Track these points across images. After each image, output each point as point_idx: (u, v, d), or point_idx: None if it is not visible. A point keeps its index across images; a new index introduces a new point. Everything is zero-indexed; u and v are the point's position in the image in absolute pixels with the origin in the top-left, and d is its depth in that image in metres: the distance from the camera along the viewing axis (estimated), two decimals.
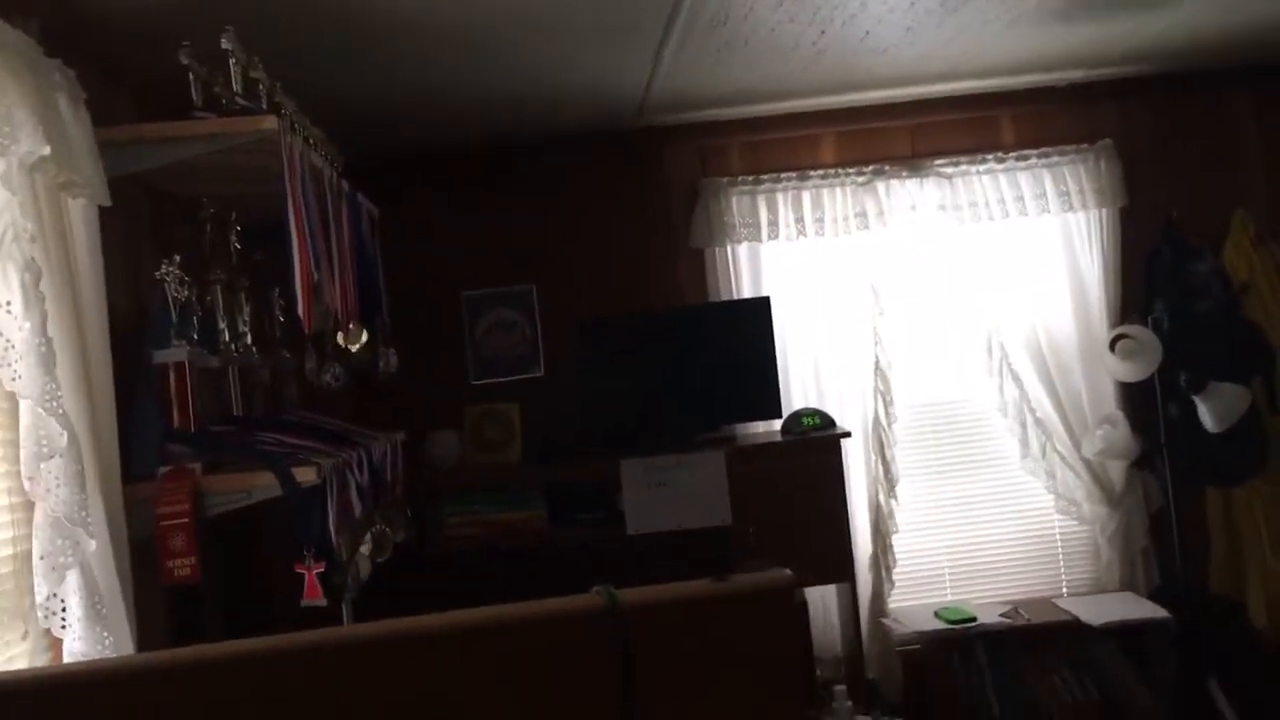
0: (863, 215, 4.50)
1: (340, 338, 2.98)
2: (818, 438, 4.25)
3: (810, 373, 4.51)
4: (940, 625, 4.35)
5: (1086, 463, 4.51)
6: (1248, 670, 4.39)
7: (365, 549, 2.79)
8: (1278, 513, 4.46)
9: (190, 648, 1.19)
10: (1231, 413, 4.21)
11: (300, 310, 2.46)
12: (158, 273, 2.49)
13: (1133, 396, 4.53)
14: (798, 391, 4.47)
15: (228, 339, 2.88)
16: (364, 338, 3.05)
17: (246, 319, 3.03)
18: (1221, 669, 4.34)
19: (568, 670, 0.98)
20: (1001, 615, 4.43)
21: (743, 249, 4.53)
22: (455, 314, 4.55)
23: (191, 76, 2.49)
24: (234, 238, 3.04)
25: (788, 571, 1.04)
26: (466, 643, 1.01)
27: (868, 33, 3.46)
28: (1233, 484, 4.49)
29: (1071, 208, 4.54)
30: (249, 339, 3.01)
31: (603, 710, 0.97)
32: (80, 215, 2.17)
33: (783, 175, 4.54)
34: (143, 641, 2.16)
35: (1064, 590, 4.68)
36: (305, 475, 2.41)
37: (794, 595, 1.01)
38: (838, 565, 4.20)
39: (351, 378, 3.11)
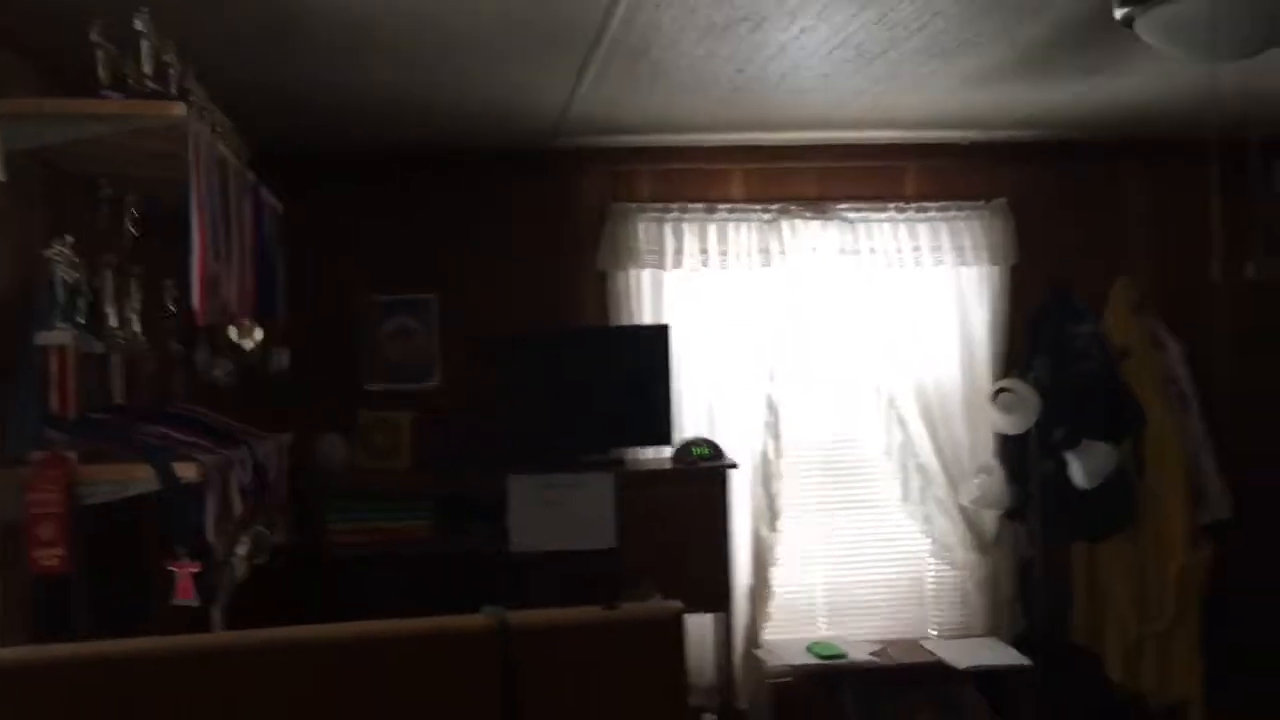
0: (765, 252, 4.58)
1: (233, 333, 2.92)
2: (706, 467, 4.30)
3: (703, 403, 4.56)
4: (812, 660, 4.42)
5: (962, 509, 4.65)
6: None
7: (243, 550, 2.74)
8: (1138, 570, 4.64)
9: (51, 646, 1.16)
10: (1101, 471, 4.38)
11: (195, 302, 2.41)
12: (48, 252, 2.42)
13: (1009, 448, 4.68)
14: (690, 421, 4.51)
15: (115, 325, 2.80)
16: (258, 335, 2.99)
17: (136, 306, 2.95)
18: (1076, 717, 4.49)
19: (453, 688, 0.99)
20: (871, 653, 4.53)
21: (646, 275, 4.57)
22: (353, 317, 4.49)
23: (100, 54, 2.42)
24: (129, 222, 2.96)
25: (677, 603, 1.06)
26: (355, 654, 1.00)
27: (785, 75, 3.53)
28: (1097, 539, 4.66)
29: (965, 262, 4.69)
30: (137, 327, 2.93)
31: None
32: None
33: (690, 206, 4.59)
34: (4, 629, 2.08)
35: (932, 632, 4.80)
36: (186, 471, 2.36)
37: (681, 626, 1.03)
38: (716, 594, 4.24)
39: (242, 374, 3.04)
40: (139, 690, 1.01)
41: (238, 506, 2.66)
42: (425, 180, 4.55)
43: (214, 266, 2.48)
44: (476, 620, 1.03)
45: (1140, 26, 2.26)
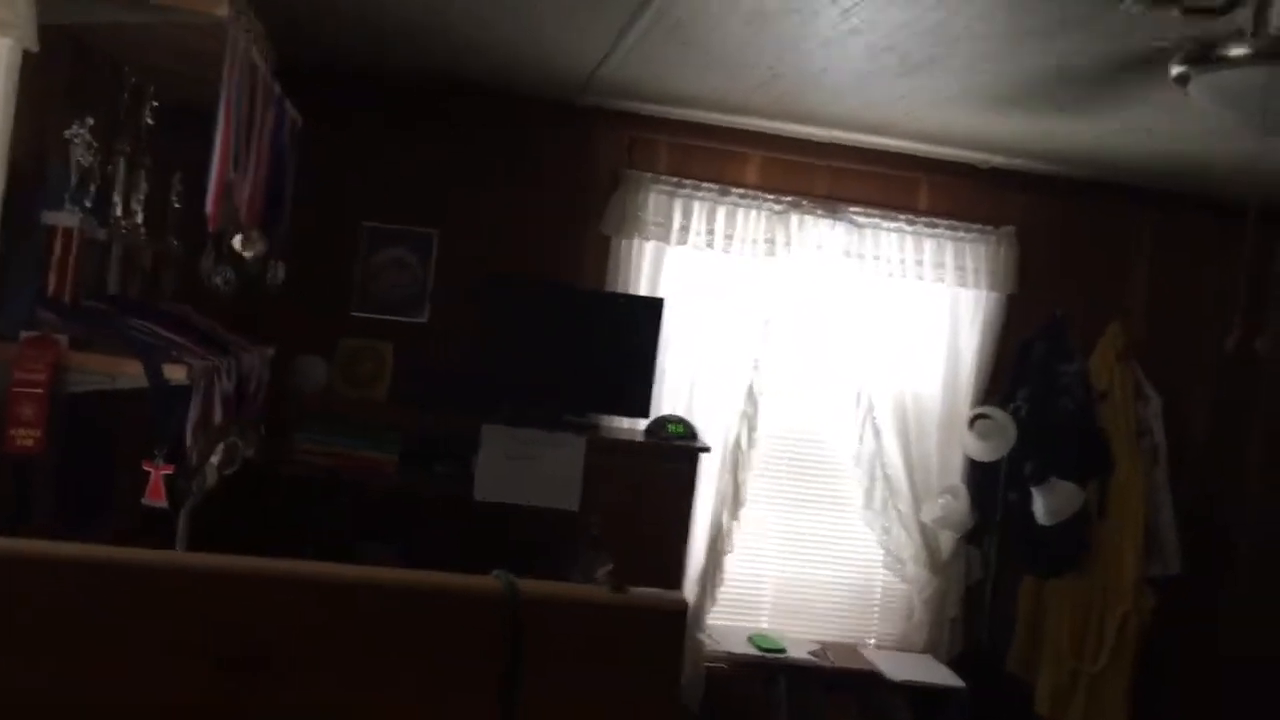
0: (771, 242, 4.57)
1: (237, 241, 2.89)
2: (679, 446, 4.31)
3: (685, 382, 4.56)
4: (751, 650, 4.46)
5: (921, 526, 4.68)
6: None
7: (215, 459, 2.72)
8: (1082, 610, 4.71)
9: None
10: (1064, 510, 4.43)
11: (209, 206, 2.38)
12: (67, 132, 2.37)
13: (978, 474, 4.72)
14: (669, 398, 4.52)
15: (119, 214, 2.77)
16: (261, 246, 2.96)
17: (142, 199, 2.91)
18: None
19: (458, 647, 0.99)
20: (810, 652, 4.57)
21: (649, 246, 4.55)
22: (351, 242, 4.45)
23: None
24: (148, 113, 2.92)
25: (683, 596, 1.06)
26: (356, 596, 1.00)
27: (825, 70, 3.52)
28: (1048, 575, 4.72)
29: (965, 283, 4.70)
30: (140, 219, 2.89)
31: (485, 690, 0.98)
32: (2, 56, 2.05)
33: (704, 184, 4.57)
34: None
35: (872, 641, 4.85)
36: (174, 373, 2.33)
37: (684, 619, 1.03)
38: (669, 572, 4.26)
39: (241, 284, 3.02)
40: (122, 601, 1.00)
41: (218, 415, 2.64)
42: (444, 116, 4.50)
43: (232, 173, 2.45)
44: (485, 582, 1.02)
45: (1194, 87, 2.26)
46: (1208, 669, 4.91)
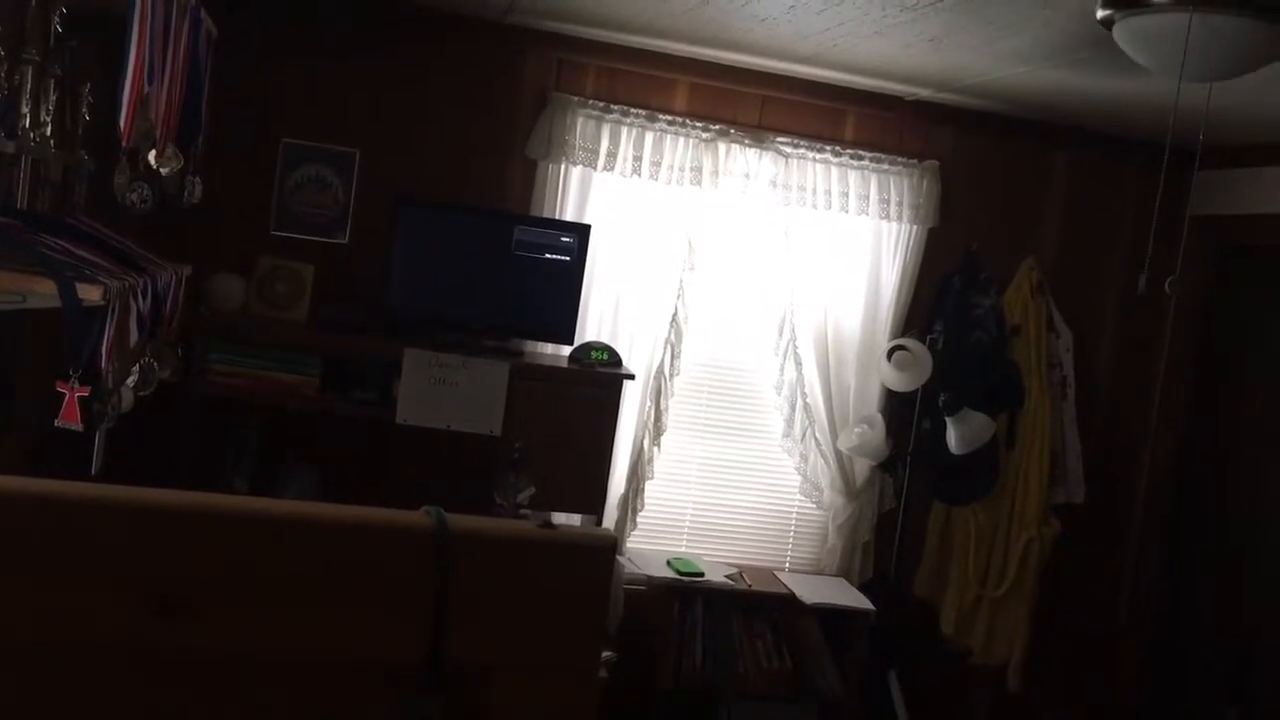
0: (698, 170, 4.57)
1: (152, 157, 2.80)
2: (603, 373, 4.33)
3: (610, 309, 4.57)
4: (670, 574, 4.55)
5: (838, 454, 4.78)
6: (926, 670, 4.82)
7: (131, 380, 2.66)
8: (988, 537, 4.87)
9: None
10: (975, 440, 4.55)
11: (122, 121, 2.30)
12: None
13: (893, 403, 4.82)
14: (593, 324, 4.52)
15: (27, 125, 2.66)
16: (178, 162, 2.87)
17: (50, 110, 2.80)
18: (904, 664, 4.73)
19: (386, 582, 0.99)
20: (727, 576, 4.67)
21: (576, 171, 4.52)
22: (270, 159, 4.34)
23: None
24: (56, 19, 2.79)
25: (611, 532, 1.08)
26: (280, 530, 1.00)
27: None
28: (957, 503, 4.87)
29: (888, 216, 4.75)
30: (49, 131, 2.79)
31: (413, 626, 0.99)
32: None
33: (632, 110, 4.54)
34: None
35: (787, 565, 4.97)
36: (89, 293, 2.26)
37: (613, 555, 1.05)
38: (591, 498, 4.30)
39: (156, 201, 2.93)
40: (37, 535, 0.98)
41: (134, 336, 2.58)
42: (369, 32, 4.38)
43: (146, 86, 2.37)
44: (413, 517, 1.03)
45: (1118, 31, 2.29)
46: (1107, 594, 5.13)
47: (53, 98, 2.80)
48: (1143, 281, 2.32)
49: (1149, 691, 5.08)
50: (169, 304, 3.07)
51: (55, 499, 0.99)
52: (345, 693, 1.03)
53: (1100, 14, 2.32)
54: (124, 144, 2.40)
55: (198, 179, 3.26)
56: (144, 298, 2.70)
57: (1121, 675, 5.12)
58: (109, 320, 2.37)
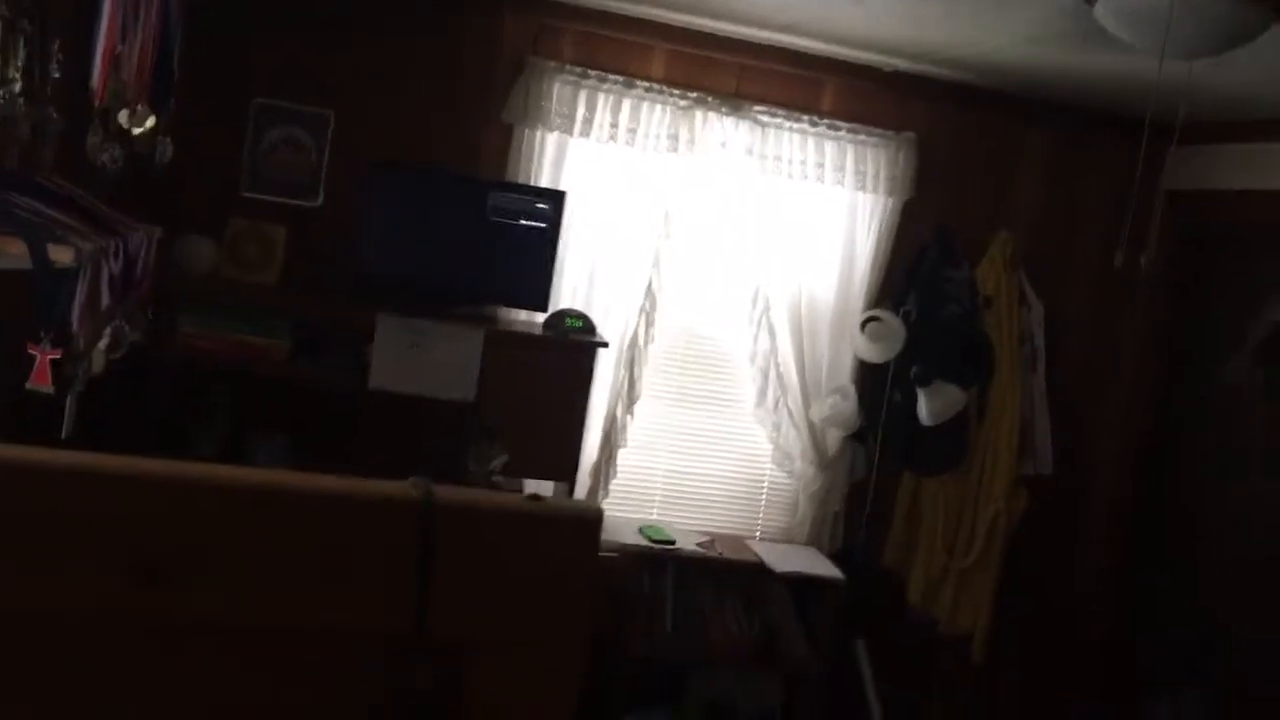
0: (675, 138, 4.55)
1: (124, 117, 2.75)
2: (577, 340, 4.32)
3: (584, 276, 4.55)
4: (642, 541, 4.56)
5: (810, 424, 4.80)
6: (894, 639, 4.87)
7: (102, 344, 2.63)
8: (955, 509, 4.92)
9: None
10: (946, 411, 4.58)
11: (95, 81, 2.27)
12: None
13: (865, 375, 4.84)
14: (568, 291, 4.51)
15: None
16: (150, 122, 2.83)
17: (19, 67, 2.74)
18: (871, 634, 4.78)
19: (370, 554, 0.99)
20: (698, 544, 4.69)
21: (552, 137, 4.49)
22: (242, 120, 4.28)
23: None
24: None
25: (599, 506, 1.08)
26: (263, 502, 0.99)
27: None
28: (927, 474, 4.90)
29: (863, 187, 4.75)
30: (19, 88, 2.73)
31: (399, 599, 0.98)
32: None
33: (610, 76, 4.50)
34: None
35: (758, 534, 5.00)
36: (60, 255, 2.23)
37: (599, 528, 1.05)
38: (563, 465, 4.31)
39: (128, 161, 2.89)
40: (14, 504, 0.97)
41: (105, 298, 2.55)
42: None
43: (119, 45, 2.33)
44: (400, 488, 1.02)
45: (1100, 7, 2.30)
46: (1070, 566, 5.19)
47: (22, 54, 2.74)
48: (1119, 257, 2.34)
49: (1109, 667, 5.16)
50: (140, 266, 3.03)
51: (33, 467, 0.97)
52: (331, 664, 1.03)
53: None
54: (97, 103, 2.36)
55: (169, 139, 3.21)
56: (115, 260, 2.66)
57: (1081, 649, 5.19)
58: (80, 282, 2.33)
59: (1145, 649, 5.03)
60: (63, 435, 2.57)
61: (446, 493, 1.02)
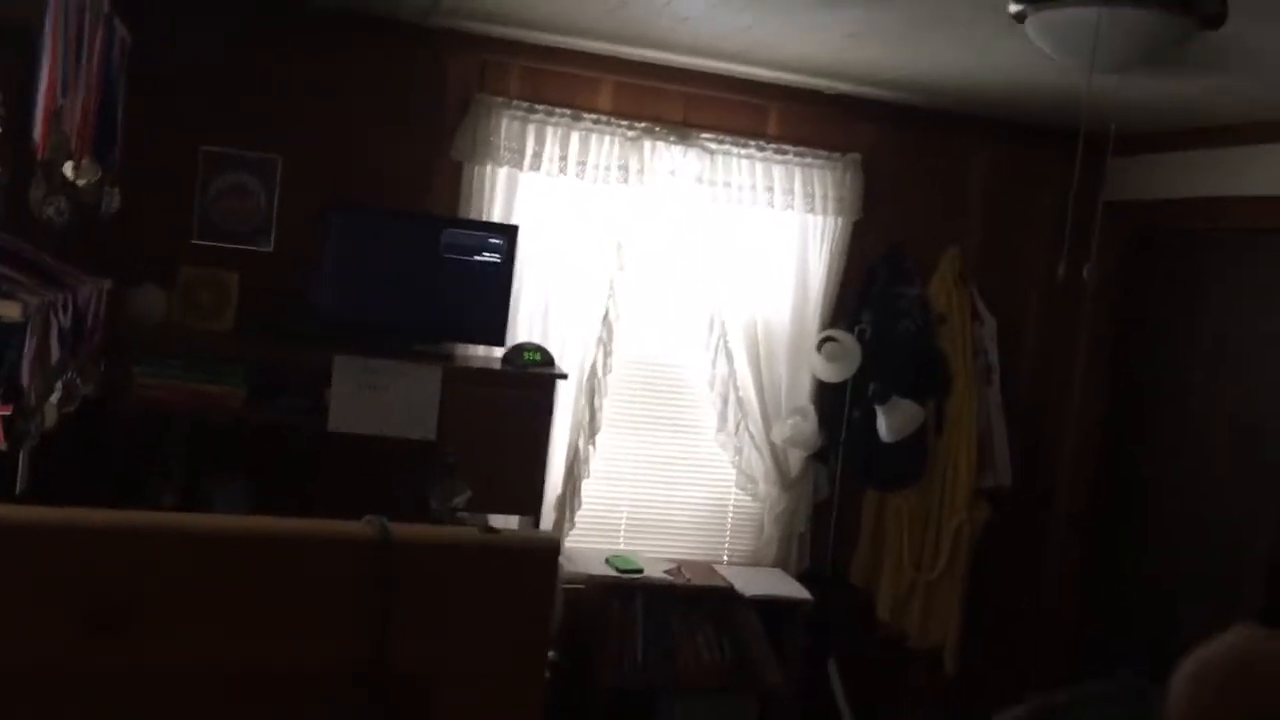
0: (625, 169, 4.58)
1: (69, 169, 2.74)
2: (535, 374, 4.32)
3: (540, 309, 4.57)
4: (609, 571, 4.56)
5: (772, 446, 4.83)
6: (864, 656, 4.89)
7: (54, 397, 2.61)
8: (919, 523, 4.95)
9: None
10: (905, 428, 4.62)
11: (37, 134, 2.26)
12: None
13: (824, 394, 4.88)
14: (524, 325, 4.52)
15: None
16: (95, 173, 2.82)
17: None
18: (842, 652, 4.80)
19: (329, 594, 0.99)
20: (665, 571, 4.70)
21: (502, 173, 4.51)
22: (189, 168, 4.27)
23: None
24: None
25: (555, 535, 1.09)
26: (220, 547, 0.99)
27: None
28: (889, 490, 4.94)
29: (812, 210, 4.80)
30: None
31: (355, 635, 0.99)
32: None
33: (557, 110, 4.54)
34: None
35: (725, 558, 5.01)
36: (8, 310, 2.22)
37: (556, 558, 1.06)
38: (528, 499, 4.30)
39: (73, 213, 2.87)
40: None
41: (55, 352, 2.53)
42: (290, 37, 4.32)
43: (61, 99, 2.32)
44: (355, 527, 1.03)
45: (1030, 24, 2.36)
46: (1034, 574, 5.24)
47: None
48: (1061, 269, 2.39)
49: (1076, 670, 5.20)
50: (90, 318, 3.02)
51: None
52: (289, 705, 1.03)
53: (1013, 8, 2.38)
54: (39, 157, 2.35)
55: (115, 189, 3.20)
56: (65, 313, 2.65)
57: (1048, 654, 5.23)
58: (29, 337, 2.32)
59: (1112, 652, 5.08)
60: (17, 491, 2.55)
61: (401, 529, 1.03)
